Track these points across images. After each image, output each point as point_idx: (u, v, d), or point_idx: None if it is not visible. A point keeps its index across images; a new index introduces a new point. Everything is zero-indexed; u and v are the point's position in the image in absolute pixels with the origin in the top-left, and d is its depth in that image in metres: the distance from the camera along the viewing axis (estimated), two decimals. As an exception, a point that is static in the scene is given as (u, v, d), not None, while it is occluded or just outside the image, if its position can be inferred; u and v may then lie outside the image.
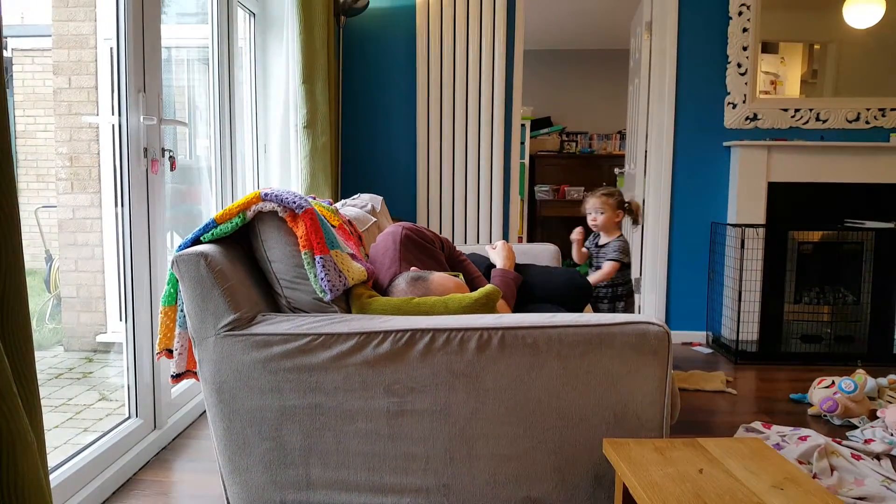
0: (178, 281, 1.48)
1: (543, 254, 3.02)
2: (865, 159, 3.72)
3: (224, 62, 2.84)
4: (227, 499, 1.56)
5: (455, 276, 1.76)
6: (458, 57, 3.72)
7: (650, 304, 4.01)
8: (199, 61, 3.12)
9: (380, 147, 3.87)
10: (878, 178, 3.74)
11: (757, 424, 2.52)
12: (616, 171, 5.47)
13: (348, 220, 2.01)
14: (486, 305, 1.60)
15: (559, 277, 2.36)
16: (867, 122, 3.82)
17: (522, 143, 6.21)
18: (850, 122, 3.82)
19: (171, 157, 2.29)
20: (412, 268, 1.79)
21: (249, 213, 1.50)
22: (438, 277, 1.69)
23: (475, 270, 2.21)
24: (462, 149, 3.78)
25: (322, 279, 1.49)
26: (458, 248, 2.37)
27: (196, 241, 1.53)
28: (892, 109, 3.80)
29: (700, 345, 3.85)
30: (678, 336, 3.91)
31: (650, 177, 4.00)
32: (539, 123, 6.73)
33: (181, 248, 1.50)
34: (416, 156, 3.80)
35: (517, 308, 2.18)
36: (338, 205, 2.39)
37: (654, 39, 3.92)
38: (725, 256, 3.73)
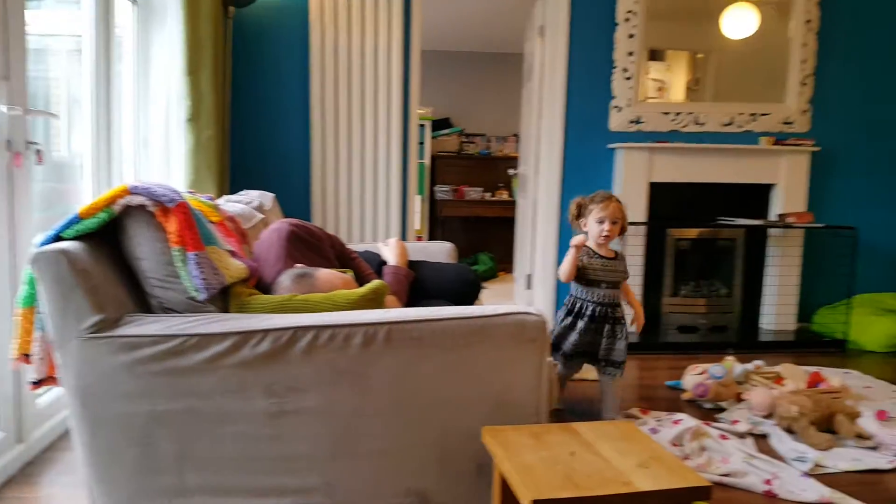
0: (36, 280, 1.38)
1: (440, 252, 3.04)
2: (737, 161, 3.99)
3: (102, 52, 2.68)
4: (96, 511, 1.47)
5: (344, 272, 1.74)
6: (353, 53, 3.69)
7: (540, 299, 4.14)
8: (80, 52, 2.93)
9: (272, 143, 3.78)
10: (749, 178, 4.03)
11: (635, 411, 2.65)
12: (510, 171, 5.60)
13: (230, 217, 1.95)
14: (373, 301, 1.59)
15: (450, 273, 2.40)
16: (739, 126, 4.10)
17: (422, 143, 6.25)
18: (724, 125, 4.09)
19: (37, 150, 2.13)
20: (297, 264, 1.75)
21: (116, 208, 1.42)
22: (325, 274, 1.67)
23: (367, 268, 2.20)
24: (359, 147, 3.75)
25: (195, 277, 1.43)
26: (350, 247, 2.36)
27: (58, 237, 1.43)
28: (761, 114, 4.10)
29: (589, 338, 4.00)
30: (569, 330, 4.05)
31: (541, 177, 4.12)
32: (439, 124, 6.79)
33: (41, 244, 1.40)
34: (311, 153, 3.74)
35: (409, 304, 2.19)
36: (220, 201, 2.31)
37: (546, 44, 4.05)
38: (611, 253, 3.90)
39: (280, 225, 1.88)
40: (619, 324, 2.42)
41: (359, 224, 3.79)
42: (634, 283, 3.81)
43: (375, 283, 1.60)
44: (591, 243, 2.42)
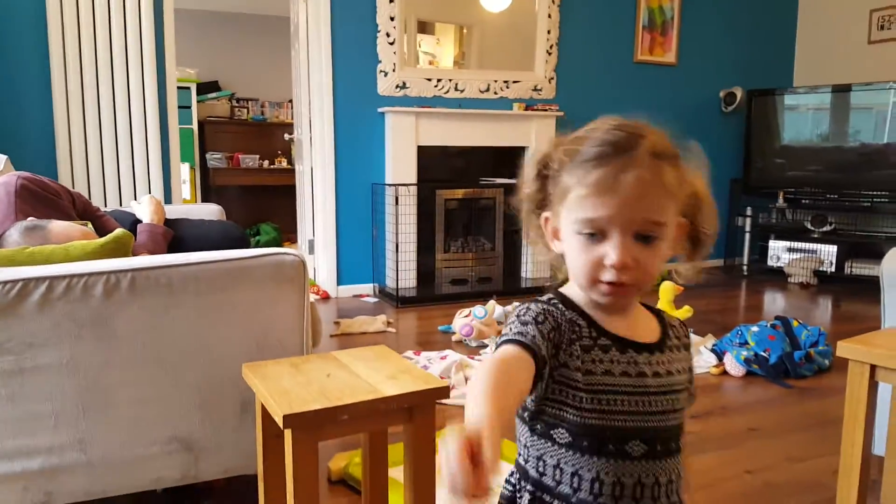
0: None
1: (207, 214, 2.93)
2: (495, 125, 4.34)
3: None
4: None
5: (83, 224, 1.64)
6: (98, 10, 3.37)
7: (323, 265, 4.19)
8: None
9: (6, 104, 3.34)
10: (505, 141, 4.40)
11: (409, 353, 2.84)
12: (286, 137, 5.53)
13: (-56, 173, 1.73)
14: (115, 251, 1.52)
15: (213, 230, 2.35)
16: (495, 93, 4.45)
17: (187, 107, 5.89)
18: (482, 92, 4.41)
19: None
20: (30, 218, 1.61)
21: None
22: (59, 226, 1.56)
23: (116, 226, 2.07)
24: (109, 110, 3.45)
25: None
26: (99, 207, 2.20)
27: None
28: (514, 82, 4.48)
29: (368, 296, 4.15)
30: (349, 290, 4.16)
31: (315, 143, 4.14)
32: (206, 87, 6.44)
33: None
34: (54, 116, 3.36)
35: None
36: (-67, 158, 2.03)
37: (309, 5, 4.03)
38: (385, 214, 4.06)
39: (8, 179, 1.70)
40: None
41: (115, 193, 3.51)
42: (409, 240, 4.01)
43: (117, 231, 1.54)
44: (568, 290, 0.83)
